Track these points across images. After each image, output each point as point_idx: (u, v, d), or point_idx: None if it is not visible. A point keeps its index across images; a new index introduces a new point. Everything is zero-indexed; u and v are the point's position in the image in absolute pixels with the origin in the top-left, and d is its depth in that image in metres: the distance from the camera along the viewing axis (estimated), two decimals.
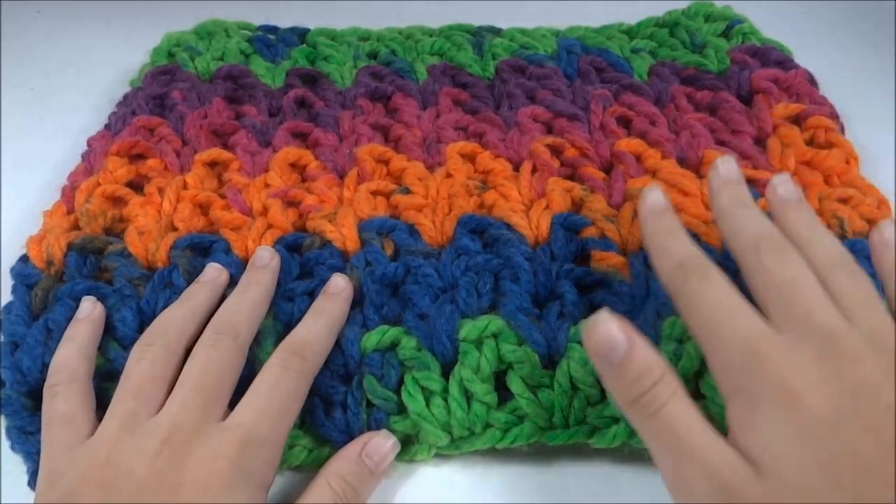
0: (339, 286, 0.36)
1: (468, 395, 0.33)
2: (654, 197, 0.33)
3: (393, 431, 0.33)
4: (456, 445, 0.33)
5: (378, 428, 0.33)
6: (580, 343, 0.33)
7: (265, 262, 0.37)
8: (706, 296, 0.28)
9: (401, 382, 0.34)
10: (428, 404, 0.33)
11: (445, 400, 0.33)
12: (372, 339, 0.34)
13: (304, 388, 0.32)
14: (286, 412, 0.31)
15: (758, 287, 0.29)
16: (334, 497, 0.30)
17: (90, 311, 0.36)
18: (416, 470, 0.34)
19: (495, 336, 0.34)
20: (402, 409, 0.33)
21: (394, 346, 0.34)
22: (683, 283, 0.29)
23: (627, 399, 0.27)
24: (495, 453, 0.34)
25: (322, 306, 0.35)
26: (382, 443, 0.32)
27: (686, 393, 0.27)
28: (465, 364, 0.33)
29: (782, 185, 0.33)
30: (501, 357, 0.33)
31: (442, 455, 0.34)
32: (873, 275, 0.31)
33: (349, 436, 0.33)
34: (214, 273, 0.37)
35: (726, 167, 0.33)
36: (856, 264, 0.29)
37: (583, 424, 0.33)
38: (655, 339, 0.33)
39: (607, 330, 0.27)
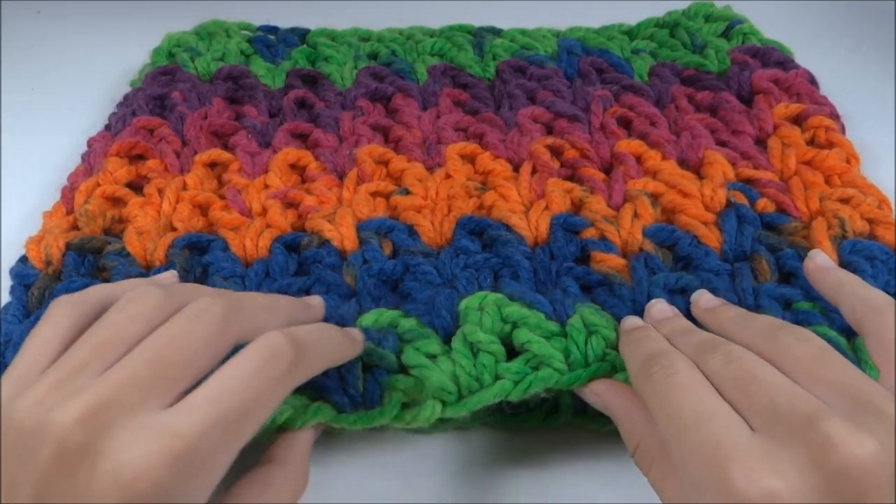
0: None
1: (474, 351, 0.32)
2: None
3: (394, 389, 0.31)
4: (464, 403, 0.31)
5: (378, 384, 0.31)
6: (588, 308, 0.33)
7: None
8: (673, 396, 0.26)
9: (400, 357, 0.32)
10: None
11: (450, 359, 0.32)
12: (368, 319, 0.34)
13: (283, 394, 0.26)
14: (249, 421, 0.24)
15: (719, 389, 0.27)
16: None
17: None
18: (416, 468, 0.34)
19: (497, 305, 0.33)
20: (403, 370, 0.32)
21: (391, 326, 0.34)
22: (646, 381, 0.28)
23: None
24: (493, 452, 0.34)
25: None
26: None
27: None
28: (468, 321, 0.33)
29: (702, 297, 0.35)
30: (505, 318, 0.33)
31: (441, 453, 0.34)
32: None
33: (344, 390, 0.31)
34: (317, 303, 0.34)
35: (658, 307, 0.34)
36: (794, 325, 0.28)
37: (603, 362, 0.32)
38: None
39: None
